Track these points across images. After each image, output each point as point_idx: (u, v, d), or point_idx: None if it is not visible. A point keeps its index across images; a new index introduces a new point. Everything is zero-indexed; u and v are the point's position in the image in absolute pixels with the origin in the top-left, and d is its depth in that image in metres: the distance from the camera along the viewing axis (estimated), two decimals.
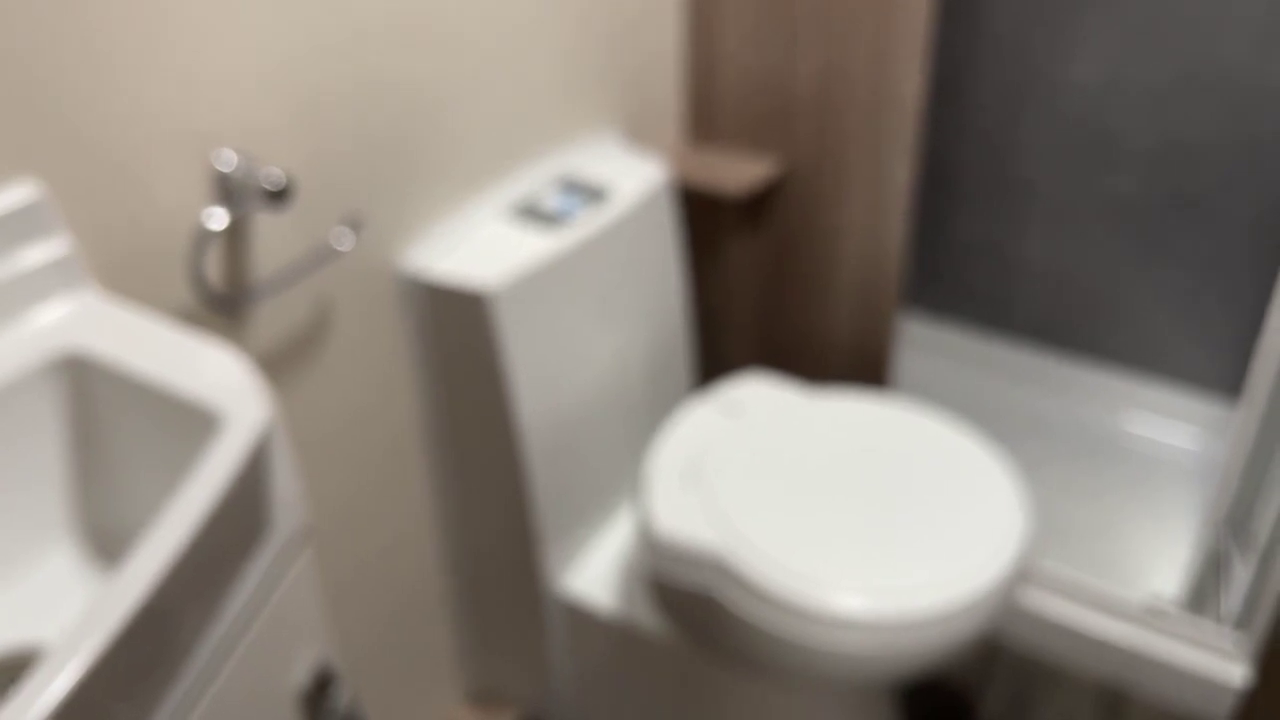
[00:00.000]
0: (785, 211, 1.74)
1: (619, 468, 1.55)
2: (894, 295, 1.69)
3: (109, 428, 0.83)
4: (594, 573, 1.50)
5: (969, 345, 2.39)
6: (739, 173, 1.65)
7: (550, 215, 1.34)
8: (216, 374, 0.79)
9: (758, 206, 1.76)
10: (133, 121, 0.91)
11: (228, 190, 0.99)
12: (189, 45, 0.93)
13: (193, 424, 0.76)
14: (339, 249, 1.08)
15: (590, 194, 1.40)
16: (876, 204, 1.63)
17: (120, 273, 0.93)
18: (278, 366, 1.12)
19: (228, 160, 0.98)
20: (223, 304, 0.98)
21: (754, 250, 1.81)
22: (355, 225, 1.11)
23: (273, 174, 0.96)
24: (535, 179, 1.42)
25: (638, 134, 1.64)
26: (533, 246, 1.28)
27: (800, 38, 1.57)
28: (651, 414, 1.59)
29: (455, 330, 1.27)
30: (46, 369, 0.81)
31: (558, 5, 1.36)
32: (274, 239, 1.07)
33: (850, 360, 1.81)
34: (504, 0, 1.27)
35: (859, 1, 1.50)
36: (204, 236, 0.96)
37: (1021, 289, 2.29)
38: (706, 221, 1.84)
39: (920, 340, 2.45)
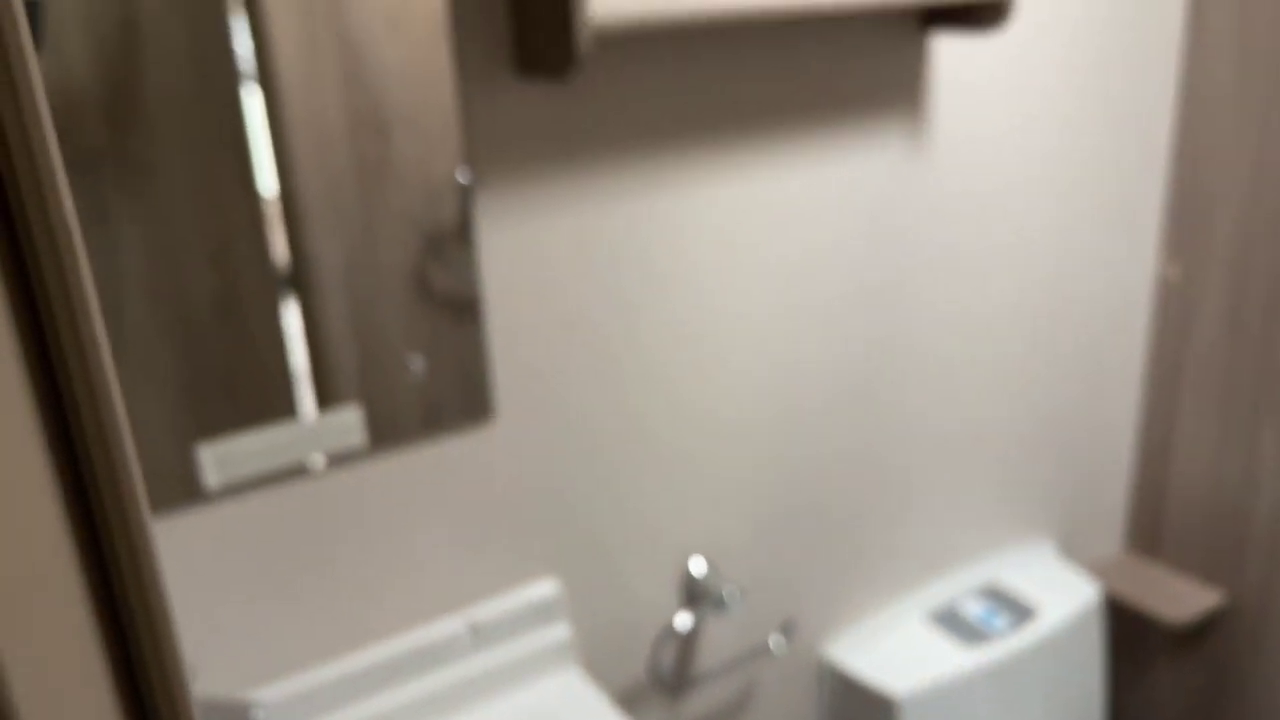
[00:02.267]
0: (1226, 648, 1.64)
1: None
2: None
3: None
4: None
5: None
6: (1179, 599, 1.60)
7: (970, 626, 1.41)
8: None
9: (1195, 636, 1.68)
10: (631, 534, 1.14)
11: (693, 594, 1.18)
12: (683, 473, 1.16)
13: None
14: (772, 649, 1.23)
15: (1015, 609, 1.45)
16: None
17: (593, 654, 1.15)
18: None
19: (699, 568, 1.19)
20: (669, 689, 1.16)
21: (1185, 682, 1.71)
22: (788, 630, 1.26)
23: (730, 588, 1.14)
24: (960, 585, 1.50)
25: (1072, 546, 1.66)
26: (948, 656, 1.35)
27: (1265, 470, 1.54)
28: None
29: None
30: None
31: (1010, 423, 1.47)
32: (718, 636, 1.25)
33: None
34: (954, 425, 1.41)
35: None
36: (669, 634, 1.16)
37: None
38: (1135, 641, 1.78)
39: None
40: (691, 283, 1.10)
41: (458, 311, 0.96)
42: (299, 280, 0.87)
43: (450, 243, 0.93)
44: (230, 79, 0.80)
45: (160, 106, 0.78)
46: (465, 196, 0.93)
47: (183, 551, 0.89)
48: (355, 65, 0.85)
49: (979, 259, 1.34)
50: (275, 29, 0.81)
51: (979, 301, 1.36)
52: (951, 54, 1.21)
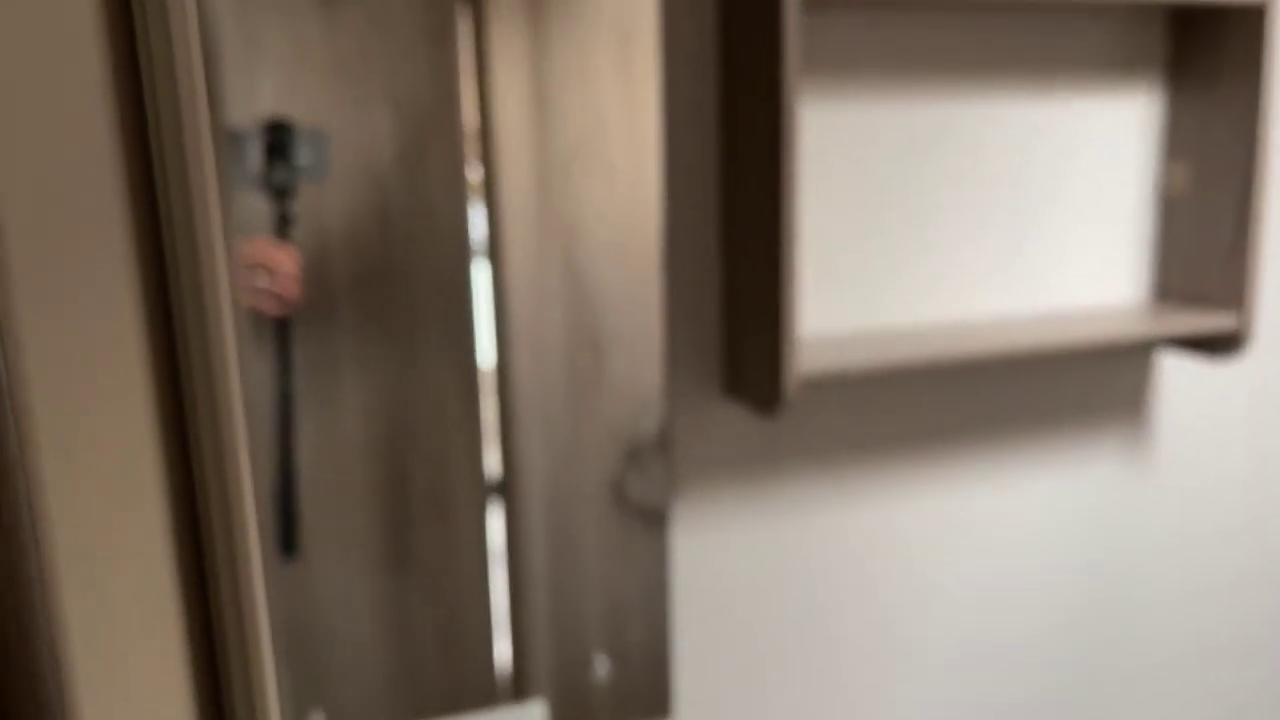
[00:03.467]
0: None
1: None
2: None
3: None
4: None
5: None
6: None
7: None
8: None
9: None
10: None
11: None
12: None
13: None
14: None
15: None
16: None
17: None
18: None
19: None
20: None
21: None
22: None
23: None
24: None
25: None
26: None
27: None
28: None
29: None
30: None
31: None
32: None
33: None
34: None
35: None
36: None
37: None
38: None
39: None
40: (887, 597, 1.10)
41: (649, 525, 1.00)
42: (507, 486, 0.94)
43: (647, 453, 0.99)
44: (463, 257, 0.88)
45: (399, 264, 0.87)
46: (666, 412, 0.98)
47: None
48: (576, 281, 0.93)
49: (1201, 591, 1.25)
50: (507, 230, 0.89)
51: (1199, 634, 1.26)
52: (1182, 374, 1.17)
